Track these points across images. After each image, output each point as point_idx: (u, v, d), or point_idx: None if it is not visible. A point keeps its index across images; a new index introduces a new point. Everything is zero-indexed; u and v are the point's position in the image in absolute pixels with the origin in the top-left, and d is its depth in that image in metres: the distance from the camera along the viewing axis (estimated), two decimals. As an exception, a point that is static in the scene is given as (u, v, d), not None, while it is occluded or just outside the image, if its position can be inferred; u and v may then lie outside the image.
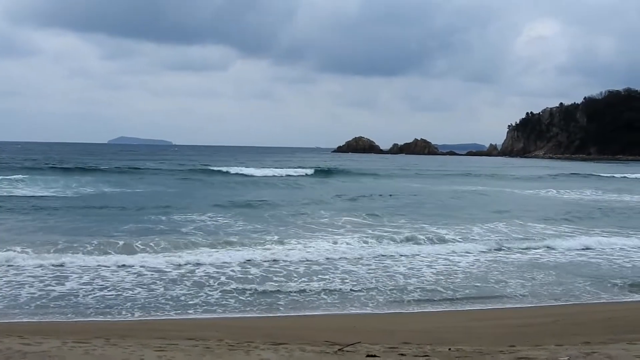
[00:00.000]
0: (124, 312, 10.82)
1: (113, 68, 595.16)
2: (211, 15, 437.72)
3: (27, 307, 10.93)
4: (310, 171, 55.08)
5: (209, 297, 11.90)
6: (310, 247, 17.14)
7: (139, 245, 16.31)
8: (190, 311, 11.03)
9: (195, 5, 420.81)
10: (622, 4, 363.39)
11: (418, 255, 16.75)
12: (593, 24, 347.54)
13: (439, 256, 16.68)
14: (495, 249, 17.76)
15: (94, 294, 11.92)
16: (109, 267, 14.01)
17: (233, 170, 53.20)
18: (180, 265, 14.46)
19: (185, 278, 13.33)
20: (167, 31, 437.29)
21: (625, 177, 61.00)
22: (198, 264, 14.61)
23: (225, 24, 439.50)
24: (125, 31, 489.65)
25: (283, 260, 15.36)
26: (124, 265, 14.14)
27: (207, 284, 12.94)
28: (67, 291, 12.03)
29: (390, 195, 34.42)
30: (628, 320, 9.98)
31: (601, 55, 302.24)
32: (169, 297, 11.81)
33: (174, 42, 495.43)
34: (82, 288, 12.27)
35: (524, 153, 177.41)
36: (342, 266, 15.07)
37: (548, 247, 18.29)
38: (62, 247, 15.73)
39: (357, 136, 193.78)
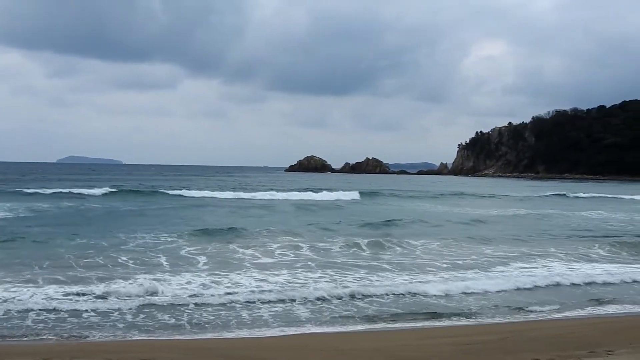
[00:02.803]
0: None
1: (60, 86, 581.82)
2: (158, 33, 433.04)
3: None
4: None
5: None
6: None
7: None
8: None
9: (141, 23, 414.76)
10: (568, 25, 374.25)
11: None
12: (540, 44, 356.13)
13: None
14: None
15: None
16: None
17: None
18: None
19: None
20: (114, 49, 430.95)
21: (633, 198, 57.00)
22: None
23: (172, 42, 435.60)
24: (71, 49, 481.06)
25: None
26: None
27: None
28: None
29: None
30: (575, 336, 10.02)
31: (548, 75, 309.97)
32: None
33: (121, 60, 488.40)
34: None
35: (474, 172, 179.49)
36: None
37: None
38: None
39: (308, 155, 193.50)
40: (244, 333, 10.59)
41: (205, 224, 25.54)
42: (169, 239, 20.94)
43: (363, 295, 13.27)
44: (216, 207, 37.31)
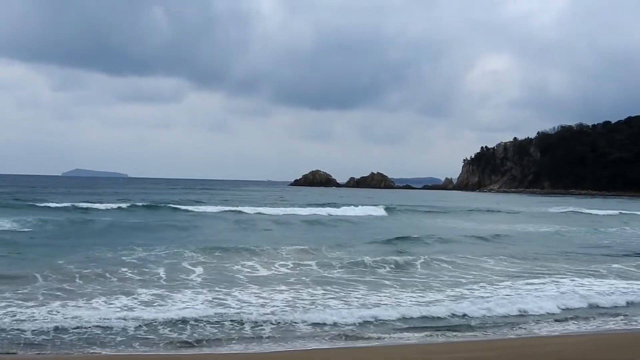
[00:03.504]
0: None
1: (65, 99, 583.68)
2: (162, 46, 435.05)
3: None
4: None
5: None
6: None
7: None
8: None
9: (146, 36, 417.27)
10: (572, 39, 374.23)
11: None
12: (544, 59, 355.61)
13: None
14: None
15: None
16: None
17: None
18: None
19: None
20: (119, 62, 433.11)
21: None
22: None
23: (177, 55, 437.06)
24: (76, 62, 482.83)
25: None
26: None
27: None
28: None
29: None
30: (576, 353, 10.00)
31: (552, 90, 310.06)
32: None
33: (125, 73, 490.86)
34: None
35: (479, 187, 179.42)
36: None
37: None
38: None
39: (313, 169, 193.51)
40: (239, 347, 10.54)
41: (223, 241, 25.25)
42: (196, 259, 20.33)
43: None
44: (240, 222, 36.80)
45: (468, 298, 14.76)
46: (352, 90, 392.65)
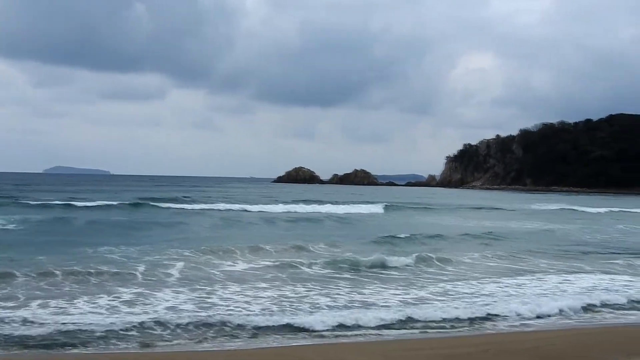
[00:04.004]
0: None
1: (47, 96, 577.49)
2: (146, 42, 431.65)
3: None
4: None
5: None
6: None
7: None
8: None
9: (129, 32, 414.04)
10: (555, 39, 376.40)
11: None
12: (527, 58, 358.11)
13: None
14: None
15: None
16: None
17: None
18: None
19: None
20: (101, 59, 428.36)
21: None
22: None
23: (161, 52, 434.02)
24: (58, 58, 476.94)
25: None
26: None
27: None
28: None
29: None
30: (555, 349, 10.09)
31: (535, 88, 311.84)
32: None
33: (108, 70, 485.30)
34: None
35: (462, 184, 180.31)
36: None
37: None
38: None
39: (297, 166, 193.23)
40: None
41: (208, 239, 25.04)
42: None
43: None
44: (236, 220, 36.28)
45: (453, 295, 14.82)
46: (336, 88, 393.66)
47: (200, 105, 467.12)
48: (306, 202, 55.11)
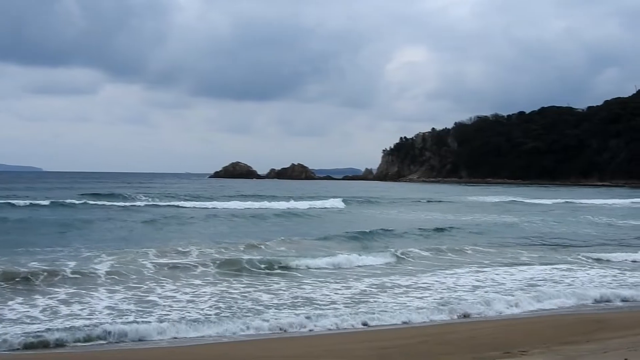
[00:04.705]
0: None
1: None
2: (77, 37, 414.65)
3: None
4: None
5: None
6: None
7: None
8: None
9: (60, 27, 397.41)
10: (486, 31, 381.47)
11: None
12: (460, 50, 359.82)
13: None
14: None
15: None
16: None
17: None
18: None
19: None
20: (31, 53, 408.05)
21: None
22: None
23: (92, 46, 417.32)
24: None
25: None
26: None
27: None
28: None
29: None
30: (491, 337, 10.36)
31: (469, 81, 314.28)
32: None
33: (38, 65, 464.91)
34: None
35: (398, 177, 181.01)
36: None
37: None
38: None
39: (234, 161, 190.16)
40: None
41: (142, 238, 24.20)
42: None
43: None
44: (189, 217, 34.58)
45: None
46: (271, 82, 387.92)
47: (134, 100, 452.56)
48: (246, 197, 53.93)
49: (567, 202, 60.33)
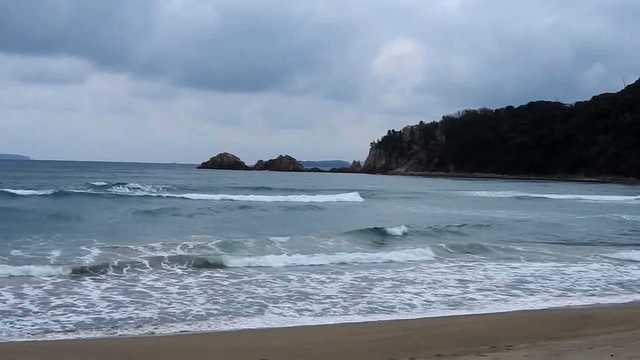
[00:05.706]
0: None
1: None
2: (62, 25, 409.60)
3: None
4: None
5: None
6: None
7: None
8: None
9: (46, 15, 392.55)
10: (474, 25, 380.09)
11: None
12: (448, 45, 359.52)
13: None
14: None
15: None
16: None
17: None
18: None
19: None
20: (16, 41, 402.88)
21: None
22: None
23: (78, 35, 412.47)
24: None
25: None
26: None
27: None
28: None
29: None
30: (478, 332, 10.36)
31: (457, 75, 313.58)
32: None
33: (24, 53, 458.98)
34: None
35: (386, 170, 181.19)
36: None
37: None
38: None
39: (221, 152, 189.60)
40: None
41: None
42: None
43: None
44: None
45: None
46: (259, 74, 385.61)
47: (121, 90, 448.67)
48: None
49: (577, 198, 59.15)
